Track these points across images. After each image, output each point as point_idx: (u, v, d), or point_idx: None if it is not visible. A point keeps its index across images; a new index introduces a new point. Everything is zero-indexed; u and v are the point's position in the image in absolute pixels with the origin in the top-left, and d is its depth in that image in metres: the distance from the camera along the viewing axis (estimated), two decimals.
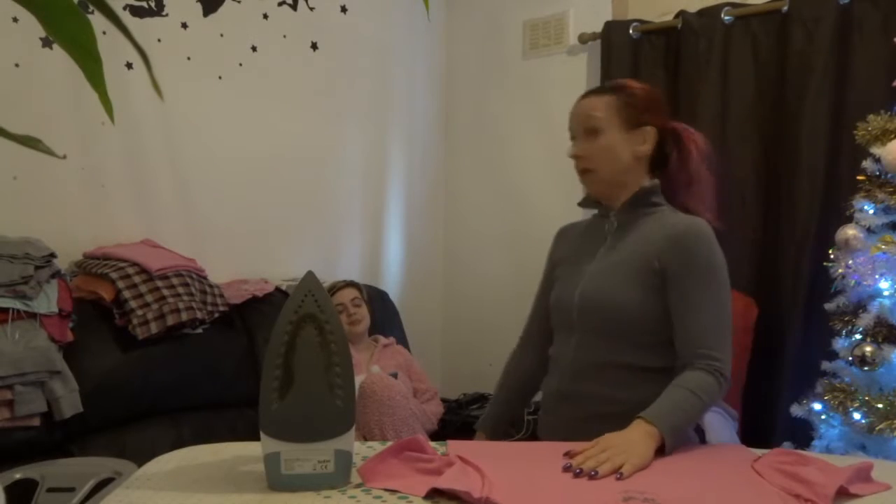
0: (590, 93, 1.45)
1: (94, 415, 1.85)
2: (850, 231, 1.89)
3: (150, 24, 2.29)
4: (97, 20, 0.51)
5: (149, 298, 2.00)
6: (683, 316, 1.28)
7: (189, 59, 2.40)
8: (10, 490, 1.08)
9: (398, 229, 3.25)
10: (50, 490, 1.07)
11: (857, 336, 1.85)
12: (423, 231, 3.37)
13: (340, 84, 2.90)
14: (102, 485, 1.05)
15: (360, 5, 2.93)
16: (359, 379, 2.12)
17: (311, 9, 2.76)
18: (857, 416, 1.80)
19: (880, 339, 1.81)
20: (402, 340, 2.75)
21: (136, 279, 2.01)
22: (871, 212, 1.87)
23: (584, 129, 1.41)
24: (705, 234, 1.31)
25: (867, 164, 1.91)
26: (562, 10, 3.03)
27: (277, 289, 2.49)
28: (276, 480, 0.93)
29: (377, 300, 2.73)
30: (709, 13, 2.53)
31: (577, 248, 1.48)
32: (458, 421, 2.57)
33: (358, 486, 0.95)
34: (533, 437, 1.60)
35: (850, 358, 1.84)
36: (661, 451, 1.13)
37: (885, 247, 1.81)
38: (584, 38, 2.93)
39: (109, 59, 0.58)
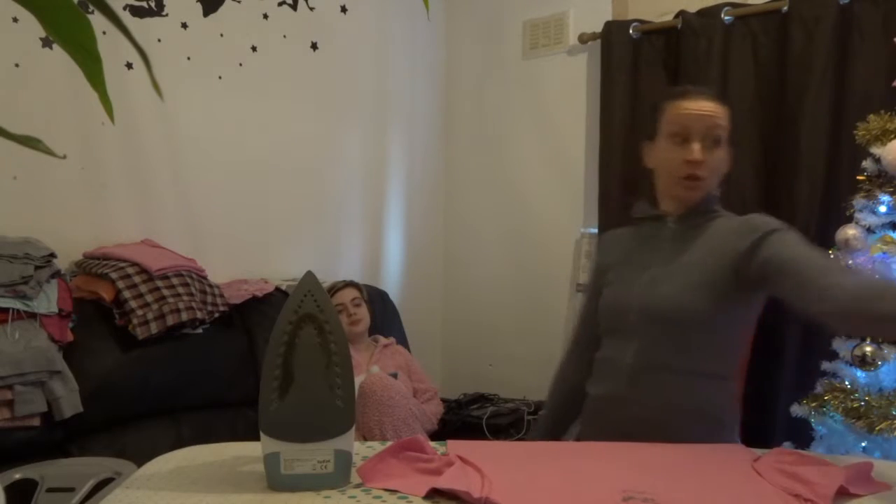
0: (709, 96, 1.40)
1: (94, 415, 1.85)
2: (850, 231, 1.89)
3: (150, 24, 2.29)
4: (97, 20, 0.51)
5: (149, 298, 2.00)
6: (807, 269, 1.19)
7: (189, 59, 2.40)
8: (10, 490, 1.08)
9: (398, 229, 3.25)
10: (49, 490, 1.07)
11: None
12: (423, 231, 3.37)
13: (340, 84, 2.90)
14: (102, 485, 1.05)
15: (360, 5, 2.93)
16: (358, 379, 2.12)
17: (311, 9, 2.76)
18: (856, 416, 1.80)
19: (880, 339, 1.81)
20: (402, 340, 2.75)
21: (136, 279, 2.01)
22: (885, 208, 1.86)
23: (710, 137, 1.36)
24: (763, 218, 1.33)
25: (867, 164, 1.91)
26: (562, 10, 3.03)
27: (277, 289, 2.49)
28: (276, 480, 0.93)
29: (377, 300, 2.73)
30: (709, 13, 2.53)
31: (630, 253, 1.47)
32: (458, 421, 2.57)
33: (358, 486, 0.95)
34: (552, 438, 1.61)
35: (850, 358, 1.84)
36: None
37: (885, 247, 1.82)
38: (584, 38, 2.93)
39: (109, 59, 0.58)
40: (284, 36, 2.68)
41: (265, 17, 2.61)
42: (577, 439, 1.50)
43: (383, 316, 2.74)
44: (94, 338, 1.93)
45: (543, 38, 3.10)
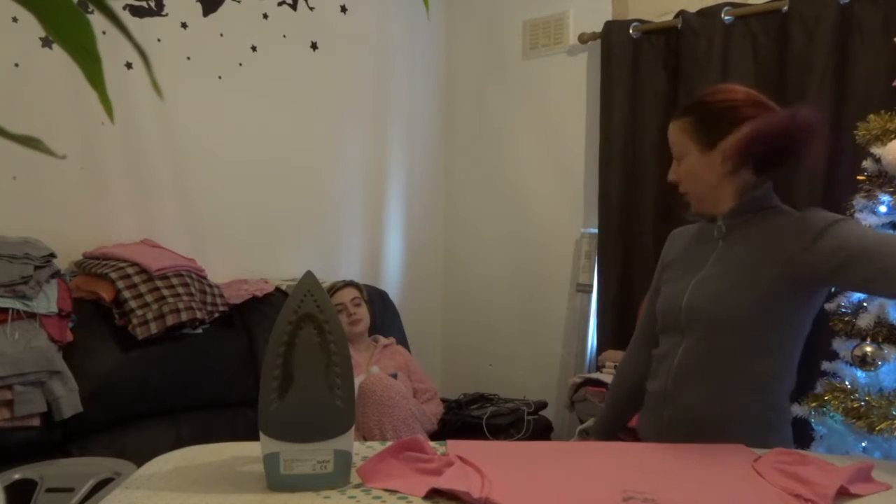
0: (675, 114, 1.41)
1: (94, 415, 1.85)
2: None
3: (150, 24, 2.29)
4: (97, 20, 0.51)
5: (148, 298, 2.00)
6: (865, 262, 1.18)
7: (189, 58, 2.40)
8: (10, 490, 1.08)
9: (398, 229, 3.25)
10: (49, 490, 1.07)
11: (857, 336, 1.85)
12: (423, 231, 3.37)
13: (340, 84, 2.90)
14: (102, 485, 1.05)
15: (360, 5, 2.93)
16: (358, 379, 2.12)
17: (311, 9, 2.76)
18: (856, 416, 1.80)
19: (880, 340, 1.81)
20: (402, 340, 2.75)
21: (136, 279, 2.01)
22: (885, 208, 1.86)
23: (675, 155, 1.41)
24: (821, 213, 1.28)
25: (867, 164, 1.91)
26: (562, 9, 3.04)
27: (277, 289, 2.49)
28: (276, 481, 0.93)
29: (377, 300, 2.73)
30: (709, 13, 2.54)
31: (687, 252, 1.48)
32: (457, 421, 2.57)
33: (357, 486, 0.95)
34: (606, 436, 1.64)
35: (851, 358, 1.84)
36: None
37: None
38: (584, 38, 2.93)
39: (109, 59, 0.58)
40: (284, 36, 2.68)
41: (265, 16, 2.61)
42: (635, 436, 1.52)
43: (383, 316, 2.74)
44: (93, 338, 1.93)
45: (543, 38, 3.10)
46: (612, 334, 2.80)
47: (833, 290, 1.93)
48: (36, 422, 1.73)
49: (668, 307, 1.43)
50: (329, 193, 2.91)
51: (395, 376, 2.27)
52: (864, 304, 1.85)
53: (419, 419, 2.20)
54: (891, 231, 1.85)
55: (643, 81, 2.74)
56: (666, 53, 2.69)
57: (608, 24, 2.81)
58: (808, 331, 1.36)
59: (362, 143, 3.03)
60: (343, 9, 2.88)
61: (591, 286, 2.96)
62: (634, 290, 2.76)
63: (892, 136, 1.85)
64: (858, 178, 1.94)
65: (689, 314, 1.36)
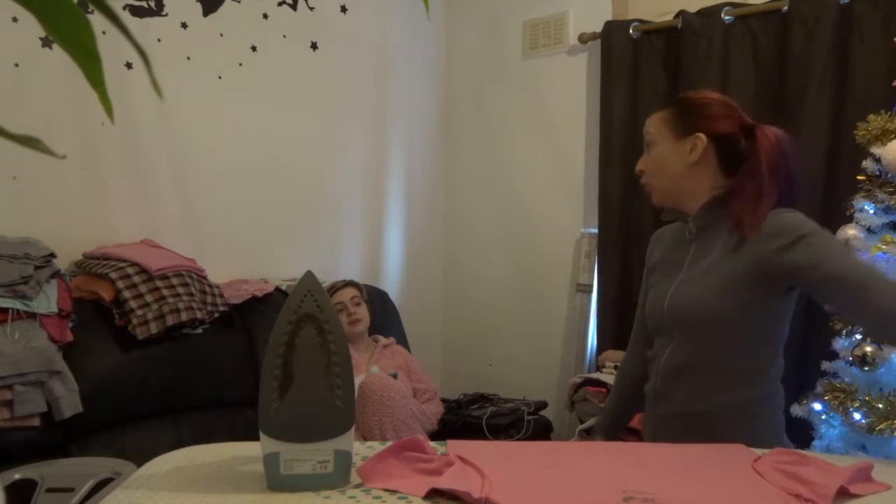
0: (661, 107, 1.49)
1: (94, 415, 1.85)
2: (850, 231, 1.89)
3: (150, 24, 2.29)
4: (97, 20, 0.51)
5: (148, 298, 2.00)
6: (838, 285, 1.22)
7: (189, 58, 2.40)
8: (10, 490, 1.08)
9: (398, 229, 3.25)
10: (49, 490, 1.07)
11: (857, 336, 1.85)
12: (423, 231, 3.37)
13: (340, 84, 2.90)
14: (102, 485, 1.05)
15: (360, 5, 2.93)
16: (358, 379, 2.12)
17: (311, 9, 2.76)
18: (857, 416, 1.80)
19: None
20: (402, 340, 2.75)
21: (136, 279, 2.01)
22: (872, 211, 1.87)
23: (645, 145, 1.46)
24: (795, 216, 1.31)
25: (867, 164, 1.91)
26: (562, 9, 3.04)
27: (277, 289, 2.49)
28: (276, 481, 0.93)
29: (377, 300, 2.73)
30: (709, 13, 2.54)
31: (667, 253, 1.51)
32: (458, 421, 2.57)
33: (357, 486, 0.95)
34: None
35: (850, 358, 1.84)
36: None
37: (886, 247, 1.81)
38: (584, 38, 2.93)
39: (109, 59, 0.58)
40: (284, 36, 2.68)
41: (265, 16, 2.61)
42: (638, 436, 1.56)
43: (383, 316, 2.74)
44: (93, 338, 1.93)
45: (543, 37, 3.10)
46: (612, 334, 2.80)
47: None
48: (36, 422, 1.73)
49: (653, 311, 1.47)
50: (329, 193, 2.91)
51: (395, 376, 2.27)
52: None
53: (419, 419, 2.20)
54: (891, 231, 1.85)
55: (643, 81, 2.74)
56: (666, 53, 2.69)
57: (608, 24, 2.81)
58: (790, 321, 1.38)
59: (362, 143, 3.03)
60: (343, 9, 2.88)
61: (591, 286, 2.96)
62: (634, 290, 2.74)
63: (892, 136, 1.85)
64: (858, 178, 1.94)
65: (671, 318, 1.40)
